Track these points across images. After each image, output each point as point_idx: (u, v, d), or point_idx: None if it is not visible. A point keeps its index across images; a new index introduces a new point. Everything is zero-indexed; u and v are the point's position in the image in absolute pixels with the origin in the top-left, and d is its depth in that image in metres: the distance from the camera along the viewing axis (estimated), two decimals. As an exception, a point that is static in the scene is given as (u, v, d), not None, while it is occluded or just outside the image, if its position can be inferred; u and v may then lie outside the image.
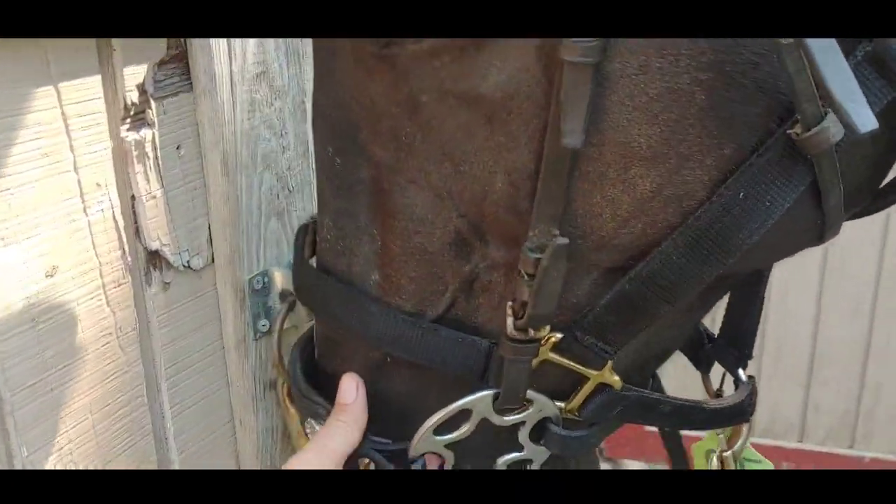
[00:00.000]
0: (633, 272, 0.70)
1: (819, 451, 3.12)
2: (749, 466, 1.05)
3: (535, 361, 0.74)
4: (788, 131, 0.63)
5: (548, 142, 0.64)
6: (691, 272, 0.69)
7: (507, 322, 0.72)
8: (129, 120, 0.84)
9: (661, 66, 0.61)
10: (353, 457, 0.80)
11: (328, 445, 0.78)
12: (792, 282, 3.03)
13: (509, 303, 0.72)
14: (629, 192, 0.66)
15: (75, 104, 0.78)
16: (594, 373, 0.77)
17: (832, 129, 0.61)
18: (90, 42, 0.79)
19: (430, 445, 0.80)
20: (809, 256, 2.90)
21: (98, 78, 0.80)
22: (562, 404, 0.80)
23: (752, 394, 0.93)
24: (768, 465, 1.06)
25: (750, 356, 0.98)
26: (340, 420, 0.79)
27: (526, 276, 0.69)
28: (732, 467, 1.02)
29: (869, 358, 3.06)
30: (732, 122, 0.64)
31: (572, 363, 0.76)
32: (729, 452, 1.00)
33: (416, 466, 0.82)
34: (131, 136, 0.84)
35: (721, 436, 1.01)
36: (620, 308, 0.72)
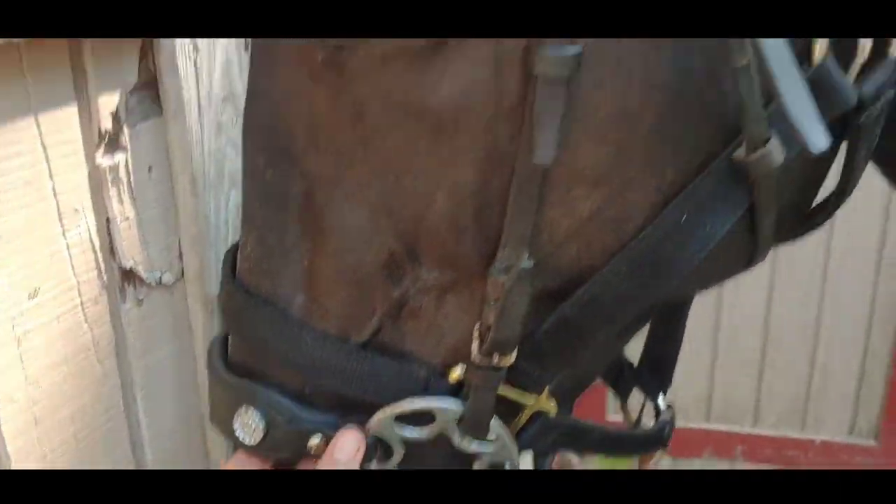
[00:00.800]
0: (574, 297, 0.68)
1: (772, 434, 3.23)
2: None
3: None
4: (733, 154, 0.63)
5: (519, 160, 0.62)
6: (631, 297, 0.68)
7: (472, 347, 0.70)
8: (103, 146, 0.88)
9: (615, 84, 0.60)
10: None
11: None
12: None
13: (476, 326, 0.70)
14: (569, 214, 0.64)
15: (54, 133, 0.83)
16: (532, 400, 0.75)
17: (775, 152, 0.62)
18: (66, 71, 0.84)
19: (387, 432, 0.74)
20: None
21: (75, 108, 0.85)
22: (490, 438, 0.76)
23: (672, 421, 0.93)
24: None
25: (670, 383, 0.97)
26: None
27: (493, 301, 0.67)
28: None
29: (819, 342, 3.17)
30: (678, 144, 0.64)
31: (512, 390, 0.73)
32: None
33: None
34: (106, 162, 0.88)
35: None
36: (560, 334, 0.70)
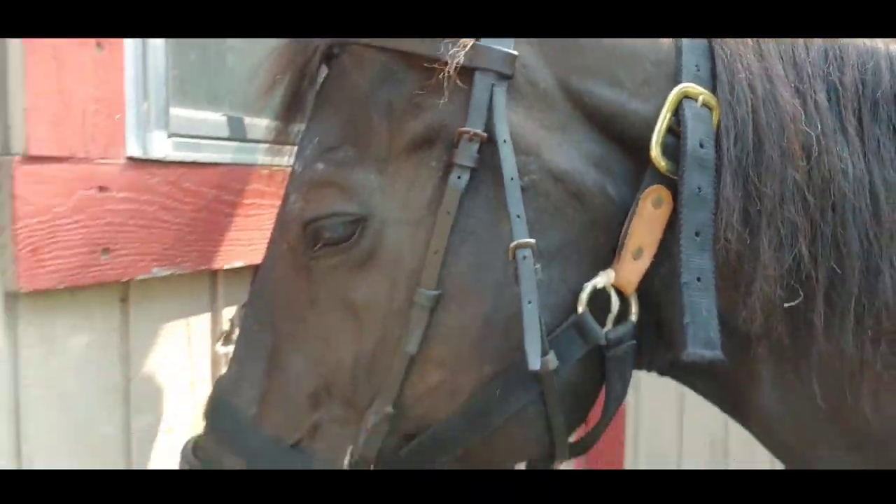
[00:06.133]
0: (424, 434, 1.01)
1: None
2: None
3: None
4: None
5: (398, 347, 0.98)
6: (460, 440, 1.02)
7: (345, 461, 1.02)
8: (221, 339, 1.37)
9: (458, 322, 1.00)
10: None
11: None
12: None
13: (349, 448, 1.01)
14: (422, 383, 0.99)
15: (195, 330, 1.32)
16: None
17: (551, 362, 0.96)
18: (206, 293, 1.34)
19: None
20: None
21: (209, 315, 1.35)
22: None
23: None
24: None
25: None
26: None
27: (364, 432, 1.00)
28: None
29: None
30: (491, 354, 0.99)
31: None
32: None
33: None
34: (222, 350, 1.37)
35: None
36: (414, 456, 1.02)
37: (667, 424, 3.33)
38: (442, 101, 0.95)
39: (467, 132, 0.96)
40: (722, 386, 1.12)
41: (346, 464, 1.02)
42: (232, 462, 1.05)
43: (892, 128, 1.00)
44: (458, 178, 0.96)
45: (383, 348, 0.99)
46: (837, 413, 1.06)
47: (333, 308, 1.01)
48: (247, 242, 1.34)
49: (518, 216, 0.95)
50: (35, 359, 1.05)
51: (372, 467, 1.02)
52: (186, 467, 1.08)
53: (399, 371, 0.98)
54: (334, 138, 1.01)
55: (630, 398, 3.43)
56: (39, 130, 1.03)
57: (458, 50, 0.94)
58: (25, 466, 1.05)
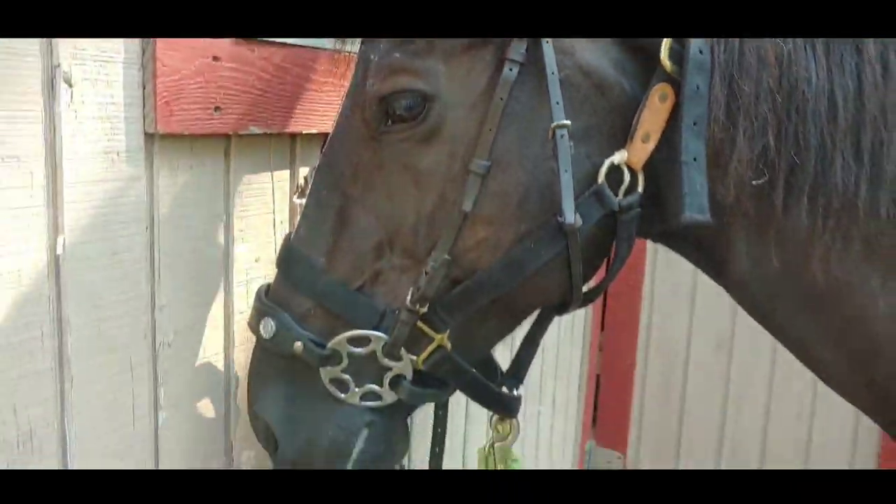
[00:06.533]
0: (470, 279, 1.24)
1: None
2: (511, 464, 1.54)
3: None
4: (559, 218, 1.18)
5: (454, 206, 1.21)
6: (497, 284, 1.23)
7: (407, 299, 1.23)
8: (297, 192, 1.69)
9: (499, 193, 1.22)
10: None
11: None
12: (743, 390, 3.72)
13: (411, 289, 1.23)
14: (472, 237, 1.22)
15: (277, 183, 1.65)
16: (437, 336, 1.27)
17: (577, 220, 1.18)
18: (286, 153, 1.66)
19: (341, 347, 1.27)
20: (759, 368, 3.59)
21: (287, 172, 1.67)
22: (415, 357, 1.28)
23: (519, 402, 1.48)
24: (520, 465, 1.55)
25: (522, 382, 1.52)
26: None
27: (424, 275, 1.21)
28: (500, 457, 1.51)
29: (809, 458, 3.64)
30: (529, 212, 1.20)
31: (427, 328, 1.26)
32: (500, 444, 1.51)
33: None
34: (297, 201, 1.69)
35: (496, 435, 1.53)
36: (460, 297, 1.25)
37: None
38: None
39: None
40: (707, 254, 1.37)
41: (407, 301, 1.25)
42: (299, 302, 1.30)
43: (854, 45, 1.20)
44: (510, 70, 1.18)
45: (442, 208, 1.23)
46: (794, 275, 1.29)
47: (399, 174, 1.24)
48: (320, 113, 1.65)
49: (557, 103, 1.18)
50: (163, 184, 1.37)
51: (425, 308, 1.25)
52: (258, 306, 1.33)
53: (455, 226, 1.21)
54: None
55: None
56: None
57: None
58: (156, 240, 1.37)
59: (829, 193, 1.22)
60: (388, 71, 1.22)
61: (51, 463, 1.22)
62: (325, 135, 1.63)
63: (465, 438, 2.53)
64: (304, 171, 1.70)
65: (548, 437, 3.32)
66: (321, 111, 1.65)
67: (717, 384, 3.75)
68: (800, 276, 1.29)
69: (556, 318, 1.54)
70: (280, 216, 1.66)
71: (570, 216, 1.18)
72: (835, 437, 3.58)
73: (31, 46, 1.13)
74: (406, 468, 1.73)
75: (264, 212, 1.63)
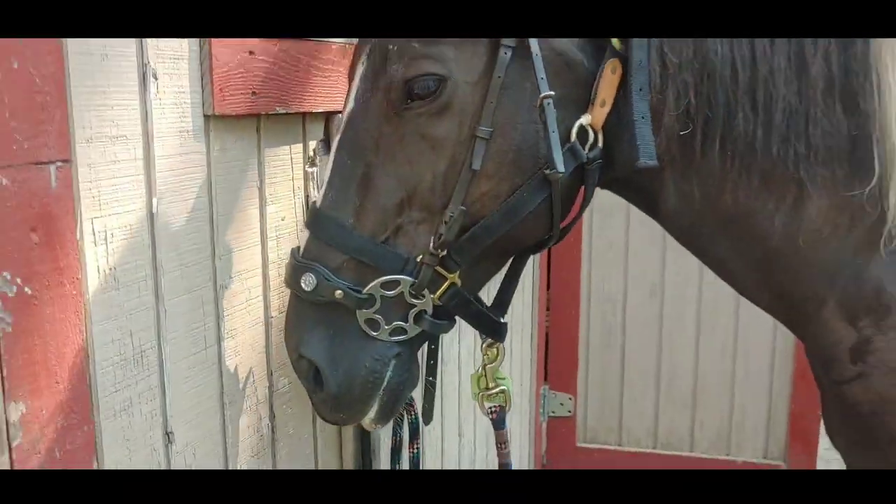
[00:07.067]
0: (477, 225, 1.49)
1: (704, 457, 4.16)
2: (500, 382, 1.81)
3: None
4: (545, 171, 1.46)
5: (465, 165, 1.46)
6: (499, 227, 1.49)
7: (430, 246, 1.48)
8: (308, 162, 2.03)
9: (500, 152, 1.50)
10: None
11: None
12: (675, 330, 4.18)
13: (433, 237, 1.48)
14: (478, 190, 1.48)
15: (294, 155, 1.98)
16: (451, 275, 1.53)
17: (561, 171, 1.43)
18: (299, 129, 2.00)
19: (375, 290, 1.50)
20: (688, 310, 4.06)
21: (301, 145, 2.01)
22: (433, 295, 1.53)
23: (506, 328, 1.74)
24: (508, 383, 1.81)
25: (506, 311, 1.77)
26: None
27: (444, 224, 1.46)
28: (491, 376, 1.79)
29: (735, 386, 4.14)
30: (523, 167, 1.47)
31: (442, 269, 1.52)
32: (490, 366, 1.79)
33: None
34: (309, 169, 2.03)
35: (486, 359, 1.81)
36: (469, 242, 1.50)
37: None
38: None
39: None
40: (644, 194, 1.69)
41: (430, 247, 1.51)
42: (332, 257, 1.52)
43: None
44: (505, 53, 1.45)
45: (453, 168, 1.48)
46: (711, 204, 1.61)
47: (417, 143, 1.49)
48: (324, 95, 1.99)
49: (542, 78, 1.44)
50: (215, 155, 1.70)
51: (445, 252, 1.51)
52: (295, 264, 1.55)
53: (465, 181, 1.47)
54: None
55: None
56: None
57: None
58: (214, 202, 1.70)
59: (734, 139, 1.53)
60: (411, 57, 1.47)
61: (154, 377, 1.55)
62: (328, 113, 1.98)
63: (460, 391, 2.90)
64: (312, 145, 2.04)
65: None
66: (325, 93, 1.99)
67: (652, 327, 4.22)
68: (716, 205, 1.61)
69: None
70: (297, 183, 2.00)
71: (561, 166, 1.46)
72: (754, 368, 4.06)
73: (128, 49, 1.45)
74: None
75: (286, 179, 1.96)
